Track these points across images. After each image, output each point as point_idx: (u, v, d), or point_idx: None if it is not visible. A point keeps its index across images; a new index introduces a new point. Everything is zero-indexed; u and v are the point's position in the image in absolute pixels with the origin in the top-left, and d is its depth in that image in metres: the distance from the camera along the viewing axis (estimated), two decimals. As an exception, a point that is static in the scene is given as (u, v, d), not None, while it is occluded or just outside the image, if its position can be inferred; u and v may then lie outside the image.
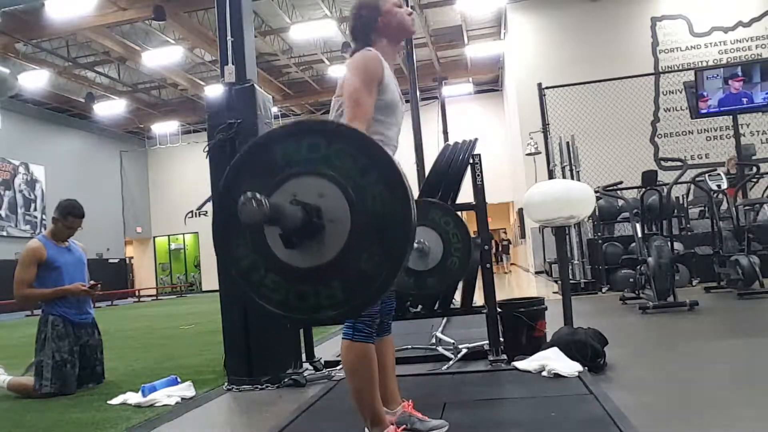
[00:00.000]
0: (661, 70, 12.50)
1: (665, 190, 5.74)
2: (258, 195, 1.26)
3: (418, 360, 3.57)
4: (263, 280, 1.46)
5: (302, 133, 1.43)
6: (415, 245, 2.60)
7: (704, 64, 12.11)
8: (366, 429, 1.94)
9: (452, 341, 3.75)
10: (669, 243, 5.34)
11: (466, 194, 3.30)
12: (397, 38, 2.13)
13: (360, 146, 1.39)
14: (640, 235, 5.56)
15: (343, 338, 1.92)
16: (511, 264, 17.23)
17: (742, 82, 7.45)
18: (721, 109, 7.58)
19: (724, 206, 6.78)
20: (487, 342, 3.37)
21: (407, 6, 2.11)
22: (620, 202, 7.54)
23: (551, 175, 7.84)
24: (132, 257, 23.90)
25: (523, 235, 16.53)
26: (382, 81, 1.97)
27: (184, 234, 23.12)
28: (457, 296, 3.68)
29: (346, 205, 1.38)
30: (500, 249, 18.47)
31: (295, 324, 1.53)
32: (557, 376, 2.81)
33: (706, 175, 5.91)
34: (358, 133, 1.42)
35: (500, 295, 3.46)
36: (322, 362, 3.51)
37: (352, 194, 1.38)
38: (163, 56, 15.04)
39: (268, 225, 1.38)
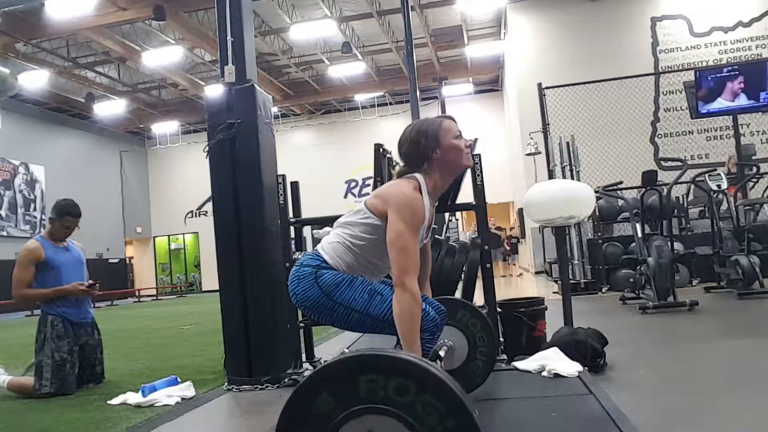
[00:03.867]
0: (661, 70, 12.49)
1: (665, 190, 5.73)
2: None
3: (418, 360, 3.55)
4: None
5: (394, 371, 1.34)
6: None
7: (704, 64, 12.12)
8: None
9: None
10: (669, 243, 5.34)
11: (466, 194, 3.30)
12: (451, 173, 2.02)
13: (450, 406, 1.32)
14: (640, 235, 5.56)
15: None
16: (514, 265, 16.93)
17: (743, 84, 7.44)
18: (721, 109, 7.58)
19: (724, 206, 6.78)
20: (487, 342, 3.37)
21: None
22: (620, 202, 7.54)
23: (551, 175, 7.84)
24: (132, 257, 23.88)
25: (523, 235, 16.50)
26: (422, 224, 1.91)
27: (184, 234, 23.12)
28: (457, 296, 3.67)
29: None
30: (509, 248, 17.83)
31: None
32: (557, 376, 2.81)
33: (706, 175, 5.91)
34: (452, 391, 1.33)
35: (500, 295, 3.46)
36: (323, 362, 3.51)
37: None
38: (163, 56, 15.04)
39: None
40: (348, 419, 1.35)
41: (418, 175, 1.96)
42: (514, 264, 16.05)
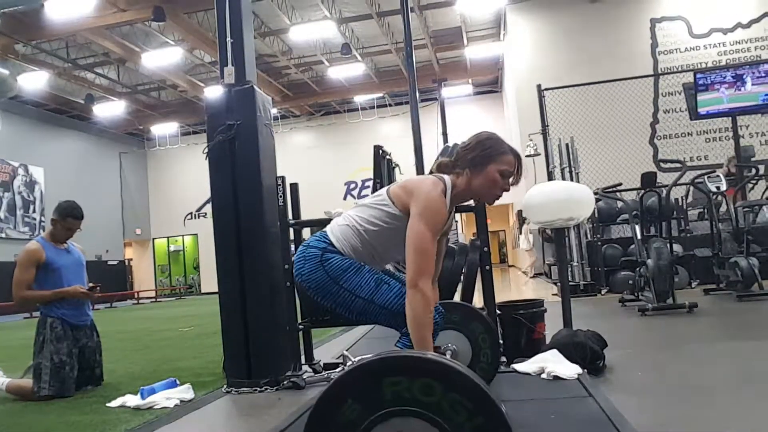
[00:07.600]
0: (660, 72, 12.51)
1: (664, 191, 5.74)
2: None
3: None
4: None
5: (418, 372, 1.33)
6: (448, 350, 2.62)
7: (703, 65, 12.13)
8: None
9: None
10: (668, 245, 5.34)
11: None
12: (473, 195, 2.02)
13: (478, 402, 1.29)
14: (639, 236, 5.56)
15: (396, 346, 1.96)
16: (510, 266, 16.74)
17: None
18: (721, 110, 7.59)
19: (723, 208, 6.78)
20: (487, 344, 3.36)
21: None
22: (619, 204, 7.54)
23: (550, 177, 7.84)
24: (131, 259, 23.87)
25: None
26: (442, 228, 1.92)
27: (183, 236, 23.11)
28: (457, 298, 3.67)
29: None
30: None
31: None
32: (557, 378, 2.81)
33: (705, 176, 5.90)
34: (479, 388, 1.31)
35: (499, 297, 3.46)
36: (322, 365, 3.51)
37: None
38: (162, 57, 15.04)
39: None
40: (375, 424, 1.33)
41: (447, 178, 1.95)
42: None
